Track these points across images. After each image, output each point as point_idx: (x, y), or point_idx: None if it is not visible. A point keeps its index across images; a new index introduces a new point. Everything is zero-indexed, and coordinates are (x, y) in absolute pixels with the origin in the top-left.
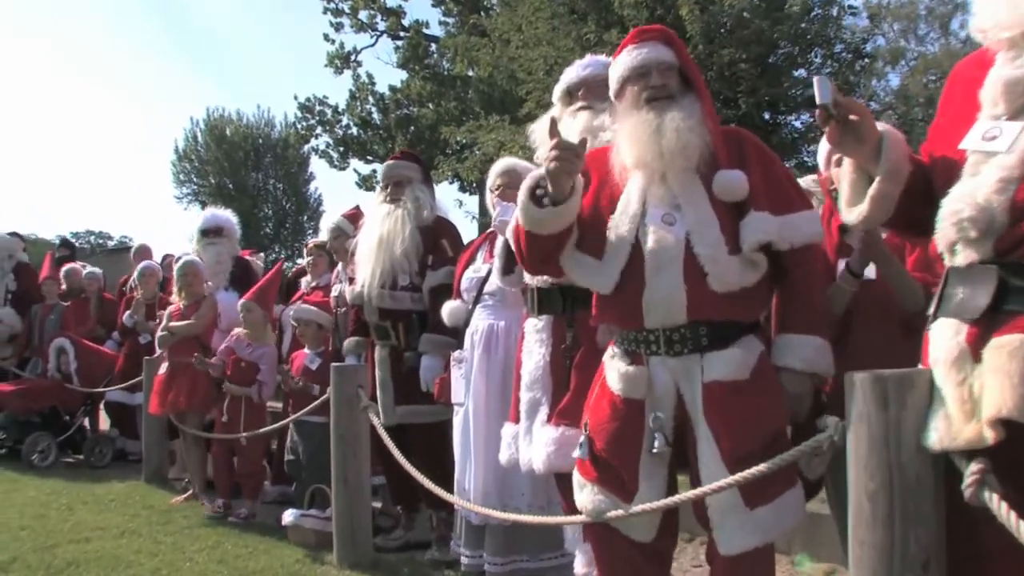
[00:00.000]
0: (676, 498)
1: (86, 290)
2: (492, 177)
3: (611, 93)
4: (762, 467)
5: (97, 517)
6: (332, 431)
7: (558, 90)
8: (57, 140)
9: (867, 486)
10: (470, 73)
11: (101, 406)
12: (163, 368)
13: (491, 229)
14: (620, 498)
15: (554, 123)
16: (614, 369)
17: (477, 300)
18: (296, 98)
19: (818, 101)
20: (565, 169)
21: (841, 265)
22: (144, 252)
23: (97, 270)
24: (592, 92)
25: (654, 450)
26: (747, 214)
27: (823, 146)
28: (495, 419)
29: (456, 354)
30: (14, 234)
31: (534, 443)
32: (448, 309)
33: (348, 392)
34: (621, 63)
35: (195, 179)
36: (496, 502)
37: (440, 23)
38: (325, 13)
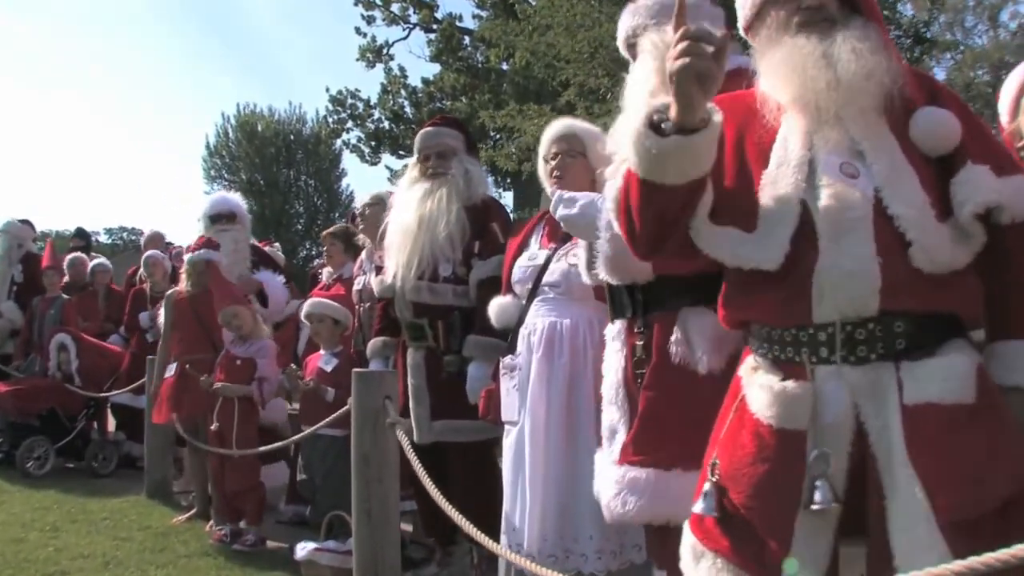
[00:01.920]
0: None
1: (93, 283)
2: (546, 143)
3: (742, 24)
4: (1016, 551)
5: (83, 541)
6: (353, 451)
7: (621, 45)
8: (91, 139)
9: None
10: (504, 66)
11: (108, 407)
12: (171, 370)
13: (542, 212)
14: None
15: (682, 5)
16: (761, 387)
17: (534, 293)
18: (328, 90)
19: None
20: (699, 69)
21: None
22: (156, 240)
23: (106, 261)
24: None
25: (814, 505)
26: (960, 168)
27: (1008, 91)
28: (558, 441)
29: (507, 360)
30: (25, 222)
31: (602, 482)
32: (496, 307)
33: (373, 404)
34: None
35: (226, 175)
36: (556, 547)
37: (473, 16)
38: (357, 5)
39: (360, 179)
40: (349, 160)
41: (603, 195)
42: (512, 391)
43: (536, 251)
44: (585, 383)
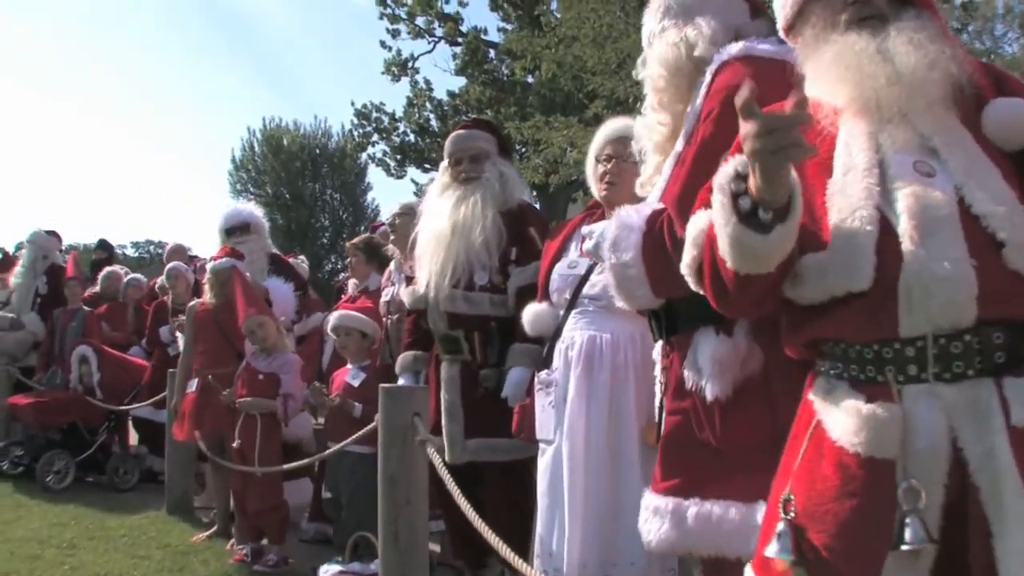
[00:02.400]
0: None
1: (125, 296)
2: (600, 141)
3: (781, 24)
4: None
5: (100, 559)
6: (380, 472)
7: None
8: (117, 153)
9: None
10: (530, 79)
11: (130, 421)
12: (192, 386)
13: (584, 213)
14: None
15: (751, 93)
16: (846, 409)
17: (572, 304)
18: (353, 104)
19: None
20: (796, 156)
21: None
22: (178, 252)
23: (141, 278)
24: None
25: (904, 545)
26: None
27: None
28: (599, 463)
29: (542, 375)
30: (52, 233)
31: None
32: (530, 314)
33: (401, 421)
34: None
35: (252, 189)
36: (597, 573)
37: (498, 29)
38: (381, 19)
39: (386, 193)
40: (375, 173)
41: (609, 223)
42: (547, 408)
43: (576, 258)
44: (627, 401)
